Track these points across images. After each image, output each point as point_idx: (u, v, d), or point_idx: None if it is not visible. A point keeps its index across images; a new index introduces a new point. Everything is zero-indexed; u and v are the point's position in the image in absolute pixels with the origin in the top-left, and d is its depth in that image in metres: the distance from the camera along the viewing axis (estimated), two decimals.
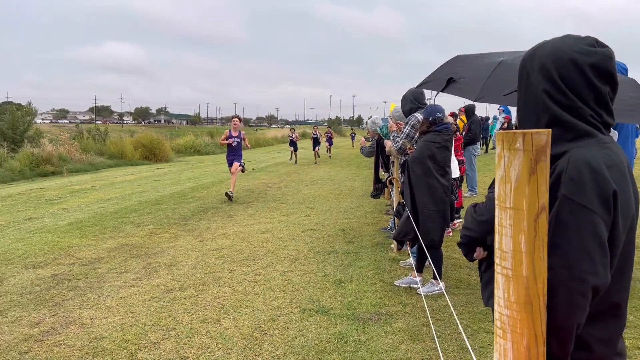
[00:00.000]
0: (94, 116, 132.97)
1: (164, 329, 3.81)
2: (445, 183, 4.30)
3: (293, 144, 20.38)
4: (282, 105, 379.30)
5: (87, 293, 4.66)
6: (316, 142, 21.90)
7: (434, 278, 4.40)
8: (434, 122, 4.36)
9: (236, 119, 10.66)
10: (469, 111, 10.66)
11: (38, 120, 31.82)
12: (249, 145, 11.27)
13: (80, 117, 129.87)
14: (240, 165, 10.45)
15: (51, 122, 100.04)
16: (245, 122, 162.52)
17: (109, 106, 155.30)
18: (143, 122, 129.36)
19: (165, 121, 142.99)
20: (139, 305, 4.32)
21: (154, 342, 3.58)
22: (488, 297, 1.54)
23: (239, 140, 10.45)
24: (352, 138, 36.58)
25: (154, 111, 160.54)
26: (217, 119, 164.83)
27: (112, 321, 3.98)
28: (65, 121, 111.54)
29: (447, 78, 4.37)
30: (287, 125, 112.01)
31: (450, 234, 6.67)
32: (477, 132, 10.27)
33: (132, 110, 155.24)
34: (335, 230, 7.21)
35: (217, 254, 5.97)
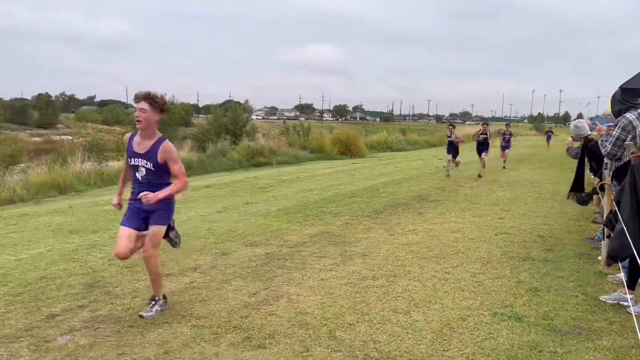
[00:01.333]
0: (298, 113, 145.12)
1: (359, 312, 4.14)
2: None
3: (452, 147, 14.51)
4: (477, 101, 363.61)
5: (293, 272, 5.27)
6: (481, 146, 14.73)
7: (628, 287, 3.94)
8: None
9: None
10: None
11: (253, 117, 36.00)
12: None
13: (286, 114, 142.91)
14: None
15: (263, 118, 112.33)
16: (438, 118, 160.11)
17: (312, 104, 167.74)
18: (340, 119, 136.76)
19: (360, 118, 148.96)
20: (336, 288, 4.75)
21: (350, 324, 3.92)
22: None
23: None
24: (548, 138, 31.05)
25: (350, 108, 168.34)
26: (410, 116, 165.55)
27: (314, 299, 4.45)
28: (275, 117, 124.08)
29: None
30: (480, 122, 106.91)
31: None
32: None
33: (332, 108, 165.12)
34: (533, 236, 6.81)
35: (407, 249, 6.16)
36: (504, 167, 16.51)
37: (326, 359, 3.38)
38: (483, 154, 14.44)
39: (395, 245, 6.35)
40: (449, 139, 14.80)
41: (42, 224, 7.74)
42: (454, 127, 15.55)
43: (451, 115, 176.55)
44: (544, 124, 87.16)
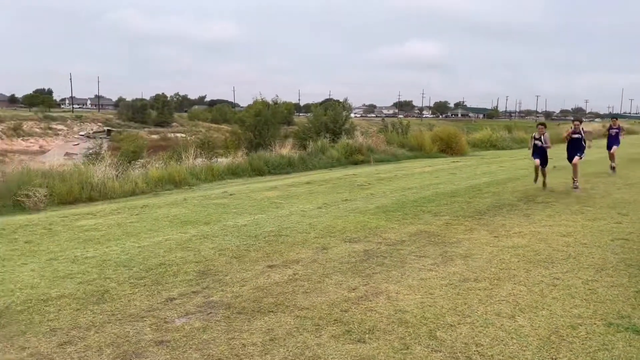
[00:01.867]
0: (397, 110, 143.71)
1: (460, 314, 4.08)
2: None
3: (540, 151, 11.12)
4: (592, 97, 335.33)
5: (391, 270, 5.30)
6: (573, 147, 11.72)
7: None
8: None
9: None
10: None
11: (352, 115, 36.29)
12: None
13: (385, 111, 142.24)
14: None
15: (362, 116, 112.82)
16: (547, 115, 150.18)
17: (411, 101, 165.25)
18: (441, 116, 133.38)
19: (462, 115, 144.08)
20: (437, 288, 4.71)
21: (451, 325, 3.88)
22: None
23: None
24: None
25: (452, 105, 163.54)
26: (516, 113, 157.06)
27: (413, 298, 4.46)
28: (373, 115, 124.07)
29: None
30: (596, 119, 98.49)
31: None
32: None
33: (432, 105, 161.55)
34: None
35: (513, 252, 5.93)
36: (613, 167, 14.32)
37: (426, 358, 3.39)
38: (575, 158, 11.39)
39: (499, 248, 6.13)
40: (536, 141, 11.27)
41: (161, 215, 8.47)
42: (544, 126, 11.89)
43: (562, 111, 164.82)
44: None
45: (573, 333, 3.68)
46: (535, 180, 11.45)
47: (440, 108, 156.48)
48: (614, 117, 15.95)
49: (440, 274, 5.13)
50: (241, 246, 6.29)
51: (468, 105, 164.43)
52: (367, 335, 3.72)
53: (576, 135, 11.54)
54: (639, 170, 15.06)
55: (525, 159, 19.65)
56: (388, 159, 20.84)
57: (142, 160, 17.34)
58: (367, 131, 28.50)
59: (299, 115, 71.09)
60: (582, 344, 3.51)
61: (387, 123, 31.67)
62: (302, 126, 28.20)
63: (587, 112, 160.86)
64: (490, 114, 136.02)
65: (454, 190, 11.10)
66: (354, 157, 19.63)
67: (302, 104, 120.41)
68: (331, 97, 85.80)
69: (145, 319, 4.11)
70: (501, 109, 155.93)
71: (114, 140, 41.35)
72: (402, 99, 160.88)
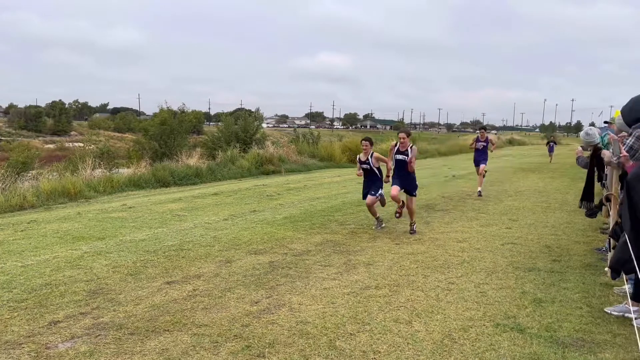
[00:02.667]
0: (309, 121, 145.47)
1: (360, 322, 4.12)
2: None
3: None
4: (488, 110, 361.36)
5: (296, 281, 5.26)
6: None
7: (632, 298, 3.88)
8: None
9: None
10: None
11: (264, 125, 36.14)
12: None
13: (297, 122, 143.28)
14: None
15: (274, 126, 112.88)
16: (448, 127, 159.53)
17: (322, 112, 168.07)
18: (351, 127, 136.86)
19: (370, 126, 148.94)
20: (338, 297, 4.73)
21: (351, 333, 3.90)
22: None
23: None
24: (551, 149, 27.07)
25: (361, 117, 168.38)
26: (420, 125, 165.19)
27: (315, 309, 4.44)
28: (285, 125, 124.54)
29: None
30: (492, 131, 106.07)
31: None
32: None
33: (342, 116, 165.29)
34: (540, 246, 6.75)
35: (412, 258, 6.13)
36: (480, 192, 11.97)
37: None
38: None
39: (400, 255, 6.32)
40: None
41: (50, 230, 7.81)
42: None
43: (462, 124, 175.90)
44: (556, 133, 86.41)
45: (464, 335, 3.84)
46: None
47: (350, 119, 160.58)
48: (483, 128, 13.52)
49: (343, 283, 5.17)
50: (138, 262, 5.95)
51: (376, 117, 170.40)
52: (267, 350, 3.63)
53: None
54: (528, 179, 16.37)
55: (427, 169, 20.66)
56: (299, 169, 20.94)
57: (33, 172, 15.97)
58: (278, 141, 28.51)
59: (209, 125, 69.73)
60: (472, 345, 3.67)
61: (299, 133, 31.88)
62: (212, 135, 27.60)
63: (485, 124, 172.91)
64: (397, 126, 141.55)
65: (361, 199, 11.33)
66: (264, 168, 19.50)
67: (212, 113, 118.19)
68: (243, 106, 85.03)
69: (23, 345, 3.72)
70: (407, 121, 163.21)
71: (2, 150, 37.90)
72: (313, 110, 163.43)
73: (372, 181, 7.97)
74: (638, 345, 3.15)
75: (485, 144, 12.45)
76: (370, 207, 7.91)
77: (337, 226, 8.17)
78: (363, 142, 8.10)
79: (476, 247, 6.74)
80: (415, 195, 7.80)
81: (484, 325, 4.04)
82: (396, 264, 5.87)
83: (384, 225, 8.10)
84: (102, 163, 16.43)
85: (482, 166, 12.24)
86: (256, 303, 4.61)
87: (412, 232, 7.66)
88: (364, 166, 7.98)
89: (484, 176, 12.30)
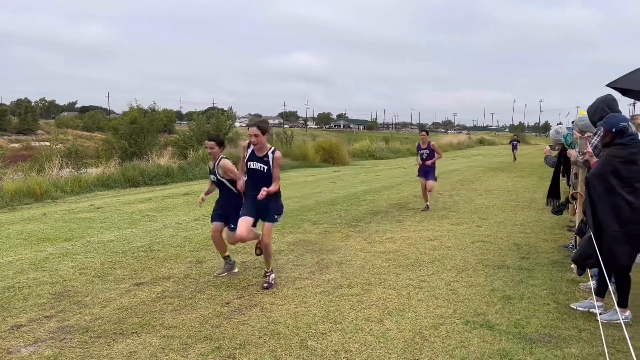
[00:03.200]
0: (282, 120, 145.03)
1: (332, 321, 4.11)
2: (633, 201, 3.80)
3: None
4: (460, 110, 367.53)
5: None
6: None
7: (619, 306, 3.96)
8: (618, 134, 3.90)
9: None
10: None
11: (237, 124, 35.84)
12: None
13: (271, 121, 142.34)
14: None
15: (247, 125, 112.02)
16: (421, 127, 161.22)
17: (296, 111, 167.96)
18: (324, 127, 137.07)
19: (344, 126, 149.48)
20: (311, 296, 4.71)
21: (322, 333, 3.88)
22: None
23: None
24: (514, 147, 26.03)
25: (334, 116, 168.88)
26: (393, 125, 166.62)
27: (287, 309, 4.41)
28: None
29: None
30: (463, 132, 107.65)
31: None
32: None
33: (316, 116, 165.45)
34: (509, 244, 6.86)
35: (384, 257, 6.16)
36: (427, 206, 9.81)
37: None
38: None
39: (372, 254, 6.34)
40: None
41: (14, 232, 7.57)
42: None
43: (434, 123, 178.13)
44: (525, 133, 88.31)
45: (435, 333, 3.87)
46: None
47: (323, 119, 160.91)
48: (424, 131, 10.43)
49: (316, 282, 5.15)
50: (105, 264, 5.81)
51: (349, 117, 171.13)
52: (237, 351, 3.58)
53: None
54: (498, 178, 16.66)
55: (399, 168, 20.84)
56: None
57: None
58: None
59: (180, 124, 68.78)
60: (443, 342, 3.70)
61: (272, 133, 31.72)
62: (183, 135, 27.25)
63: (456, 124, 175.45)
64: (370, 126, 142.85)
65: (334, 198, 11.36)
66: (237, 167, 19.35)
67: (184, 111, 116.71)
68: (215, 105, 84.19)
69: None
70: (380, 120, 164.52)
71: None
72: (287, 110, 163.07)
73: (227, 201, 5.52)
74: (602, 340, 3.22)
75: (428, 151, 9.72)
76: (217, 241, 5.41)
77: (310, 225, 8.15)
78: (207, 143, 5.69)
79: (447, 245, 6.81)
80: (275, 221, 5.05)
81: (454, 322, 4.08)
82: (368, 263, 5.89)
83: (236, 270, 5.50)
84: (69, 163, 16.04)
85: (429, 182, 9.71)
86: (227, 304, 4.55)
87: (267, 285, 4.96)
88: (212, 177, 5.69)
89: (430, 191, 9.90)
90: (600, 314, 4.04)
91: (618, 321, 3.99)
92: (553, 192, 6.85)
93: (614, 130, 3.93)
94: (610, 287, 3.86)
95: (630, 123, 3.95)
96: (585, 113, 5.44)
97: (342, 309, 4.38)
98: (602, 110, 4.69)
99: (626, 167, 3.83)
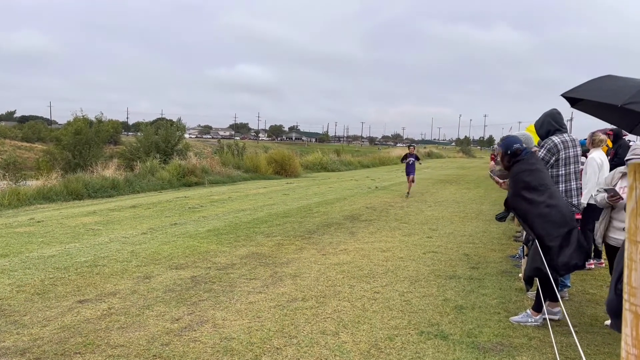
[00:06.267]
0: (233, 132, 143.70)
1: (287, 336, 4.03)
2: (550, 202, 3.98)
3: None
4: (408, 124, 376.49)
5: (220, 296, 5.07)
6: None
7: (533, 308, 4.21)
8: (513, 155, 4.14)
9: None
10: (616, 135, 9.71)
11: (186, 135, 35.16)
12: None
13: (221, 132, 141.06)
14: None
15: (197, 137, 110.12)
16: (371, 140, 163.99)
17: (247, 123, 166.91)
18: (276, 139, 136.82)
19: (296, 138, 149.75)
20: (264, 311, 4.61)
21: (277, 348, 3.80)
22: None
23: None
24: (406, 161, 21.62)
25: (286, 129, 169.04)
26: (344, 137, 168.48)
27: (240, 324, 4.29)
28: (209, 136, 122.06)
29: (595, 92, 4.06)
30: (412, 145, 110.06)
31: (592, 267, 6.18)
32: (624, 157, 9.30)
33: (267, 128, 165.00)
34: (459, 255, 7.01)
35: (338, 269, 6.14)
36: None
37: None
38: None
39: (326, 266, 6.30)
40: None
41: None
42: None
43: (383, 137, 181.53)
44: (470, 147, 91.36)
45: (390, 344, 3.86)
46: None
47: (275, 131, 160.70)
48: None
49: (270, 296, 5.06)
50: (46, 280, 5.49)
51: (301, 129, 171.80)
52: None
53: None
54: (446, 190, 17.08)
55: (351, 180, 21.01)
56: (223, 181, 20.53)
57: None
58: (201, 152, 27.83)
59: (127, 135, 66.83)
60: (398, 354, 3.69)
61: (223, 145, 31.36)
62: (130, 146, 26.45)
63: (404, 137, 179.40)
64: (322, 138, 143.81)
65: (287, 210, 11.28)
66: (186, 179, 18.92)
67: (130, 122, 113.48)
68: (164, 116, 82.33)
69: None
70: (331, 133, 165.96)
71: None
72: (238, 121, 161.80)
73: None
74: (554, 347, 3.31)
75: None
76: None
77: (263, 238, 8.04)
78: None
79: (399, 256, 6.88)
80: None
81: (409, 333, 4.09)
82: (322, 275, 5.85)
83: None
84: (7, 175, 15.18)
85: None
86: (177, 320, 4.38)
87: None
88: None
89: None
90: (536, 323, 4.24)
91: (528, 323, 4.21)
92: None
93: (509, 152, 4.16)
94: (558, 293, 3.98)
95: (522, 142, 4.20)
96: (532, 128, 5.65)
97: (297, 323, 4.31)
98: (548, 124, 4.89)
99: (533, 177, 4.04)
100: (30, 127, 73.81)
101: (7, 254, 6.69)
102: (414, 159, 15.16)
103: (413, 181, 15.34)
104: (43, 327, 4.19)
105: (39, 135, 62.59)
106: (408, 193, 14.93)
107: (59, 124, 74.44)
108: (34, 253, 6.76)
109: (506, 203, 4.44)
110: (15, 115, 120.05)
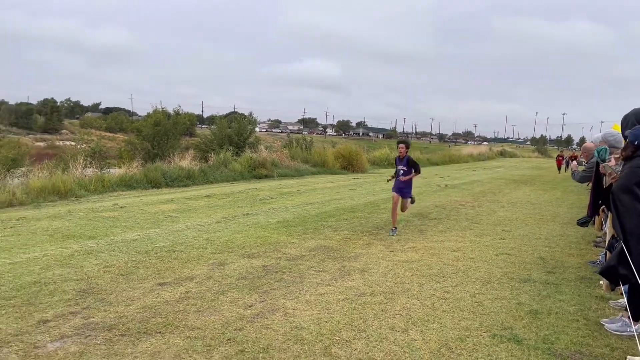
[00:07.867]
0: (302, 127, 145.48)
1: (356, 329, 4.06)
2: None
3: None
4: (480, 122, 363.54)
5: (290, 286, 5.19)
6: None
7: (629, 317, 3.91)
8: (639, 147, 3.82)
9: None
10: None
11: (257, 129, 36.03)
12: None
13: (290, 127, 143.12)
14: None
15: (267, 131, 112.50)
16: (440, 137, 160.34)
17: (315, 118, 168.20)
18: (343, 135, 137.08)
19: (363, 134, 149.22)
20: (333, 303, 4.67)
21: (346, 340, 3.84)
22: None
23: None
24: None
25: (354, 124, 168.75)
26: (412, 134, 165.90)
27: (310, 314, 4.38)
28: (278, 130, 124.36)
29: None
30: (484, 143, 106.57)
31: None
32: None
33: (335, 123, 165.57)
34: (534, 258, 6.74)
35: (407, 266, 6.09)
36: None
37: None
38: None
39: (394, 262, 6.27)
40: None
41: (40, 228, 7.68)
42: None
43: (454, 134, 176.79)
44: (546, 147, 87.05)
45: (461, 345, 3.80)
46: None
47: (343, 127, 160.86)
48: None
49: (338, 289, 5.11)
50: (129, 262, 5.86)
51: (369, 125, 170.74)
52: (261, 355, 3.56)
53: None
54: (520, 191, 16.43)
55: (420, 178, 20.70)
56: (292, 174, 20.87)
57: (23, 169, 15.76)
58: (271, 146, 28.43)
59: (201, 127, 69.45)
60: (469, 355, 3.62)
61: (292, 139, 31.83)
62: (205, 138, 27.48)
63: (476, 135, 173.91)
64: (389, 134, 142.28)
65: (354, 205, 11.31)
66: (257, 171, 19.41)
67: (205, 115, 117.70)
68: (236, 110, 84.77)
69: (11, 344, 3.63)
70: (399, 129, 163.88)
71: None
72: (306, 116, 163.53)
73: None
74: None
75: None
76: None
77: (330, 232, 8.12)
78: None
79: (470, 256, 6.71)
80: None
81: (481, 335, 4.00)
82: (391, 272, 5.83)
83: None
84: (93, 162, 16.26)
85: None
86: (250, 307, 4.54)
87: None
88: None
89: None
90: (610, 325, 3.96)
91: (625, 333, 3.92)
92: (593, 209, 6.51)
93: (636, 143, 3.85)
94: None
95: None
96: (618, 127, 5.31)
97: (365, 317, 4.33)
98: (631, 124, 4.58)
99: None
100: (114, 118, 78.61)
101: (95, 236, 7.19)
102: (404, 168, 8.30)
103: (405, 206, 8.59)
104: (127, 306, 4.48)
105: (121, 126, 66.43)
106: (394, 228, 8.22)
107: (140, 116, 78.58)
108: (118, 237, 7.22)
109: (606, 193, 4.16)
110: (100, 107, 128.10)
